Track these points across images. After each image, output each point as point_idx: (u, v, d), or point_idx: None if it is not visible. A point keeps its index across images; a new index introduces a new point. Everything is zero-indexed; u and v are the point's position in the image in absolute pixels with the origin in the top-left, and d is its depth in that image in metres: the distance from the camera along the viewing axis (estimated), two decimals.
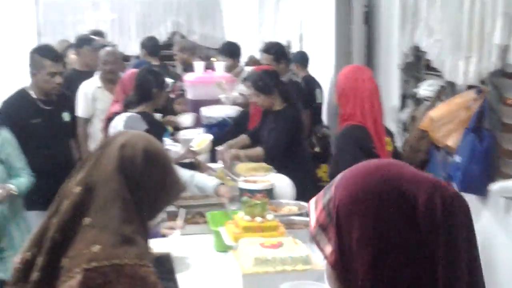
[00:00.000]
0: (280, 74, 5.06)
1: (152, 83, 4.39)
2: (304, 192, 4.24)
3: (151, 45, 7.43)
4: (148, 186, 1.93)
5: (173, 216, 3.69)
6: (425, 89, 4.93)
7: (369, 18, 5.56)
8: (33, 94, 4.57)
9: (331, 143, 5.57)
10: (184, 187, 2.13)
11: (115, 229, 1.82)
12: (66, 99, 4.91)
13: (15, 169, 3.93)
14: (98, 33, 7.03)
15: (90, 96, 5.44)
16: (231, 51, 6.55)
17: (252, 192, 3.67)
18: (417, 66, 5.23)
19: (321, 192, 1.20)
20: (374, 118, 3.75)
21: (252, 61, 6.06)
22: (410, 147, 4.76)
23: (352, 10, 6.44)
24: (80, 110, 5.40)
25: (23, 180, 3.95)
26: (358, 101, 3.72)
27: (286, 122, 4.67)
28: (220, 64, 6.00)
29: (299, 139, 4.83)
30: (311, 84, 6.33)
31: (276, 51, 5.67)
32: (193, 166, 4.55)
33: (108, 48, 5.75)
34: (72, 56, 6.49)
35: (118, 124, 3.99)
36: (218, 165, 4.72)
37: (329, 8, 6.57)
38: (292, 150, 4.67)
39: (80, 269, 1.75)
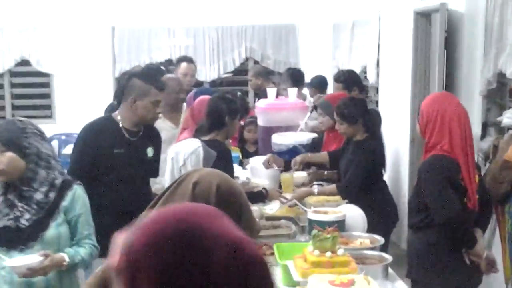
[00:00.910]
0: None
1: (225, 110, 4.25)
2: (377, 225, 4.06)
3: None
4: None
5: None
6: (509, 117, 4.66)
7: (449, 42, 5.29)
8: (120, 122, 4.03)
9: None
10: (260, 227, 2.04)
11: None
12: (153, 133, 4.25)
13: (79, 234, 3.12)
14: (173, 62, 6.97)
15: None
16: (294, 78, 6.40)
17: (322, 225, 3.49)
18: (501, 93, 4.96)
19: (127, 232, 1.14)
20: (464, 148, 3.51)
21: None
22: (492, 178, 4.47)
23: (431, 34, 6.22)
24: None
25: (82, 252, 3.09)
26: (446, 129, 3.49)
27: (365, 155, 4.50)
28: (292, 91, 5.85)
29: (377, 172, 4.62)
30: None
31: (346, 79, 5.48)
32: (262, 196, 4.40)
33: (172, 76, 5.52)
34: None
35: (185, 151, 3.88)
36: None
37: (407, 33, 6.36)
38: (369, 183, 4.48)
39: None
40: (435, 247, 3.54)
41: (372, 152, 4.53)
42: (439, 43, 5.24)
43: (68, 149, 7.37)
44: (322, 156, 4.94)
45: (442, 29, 5.21)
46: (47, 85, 9.69)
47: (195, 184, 1.89)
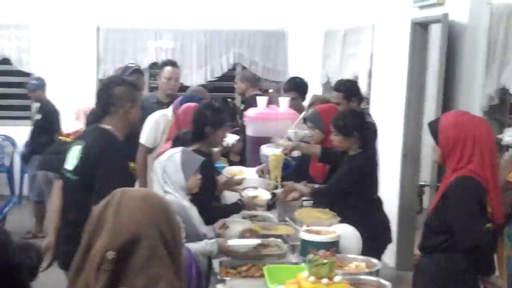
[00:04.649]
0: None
1: (209, 120, 4.08)
2: (369, 247, 3.85)
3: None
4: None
5: None
6: (511, 135, 4.46)
7: (449, 54, 5.07)
8: (117, 135, 3.72)
9: None
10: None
11: None
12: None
13: None
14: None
15: (161, 127, 5.12)
16: (299, 87, 6.09)
17: (316, 246, 3.26)
18: (502, 109, 4.76)
19: None
20: (492, 169, 3.31)
21: (319, 100, 5.59)
22: None
23: (428, 46, 6.02)
24: (146, 138, 5.12)
25: None
26: (477, 150, 3.28)
27: (350, 168, 4.34)
28: (284, 100, 5.61)
29: (367, 189, 4.40)
30: None
31: (346, 88, 5.22)
32: (238, 207, 4.18)
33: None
34: None
35: (162, 159, 3.65)
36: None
37: (403, 43, 6.15)
38: (359, 201, 4.30)
39: None
40: (451, 272, 3.32)
41: (358, 167, 4.33)
42: (439, 56, 5.01)
43: None
44: (315, 148, 4.74)
45: (444, 40, 4.98)
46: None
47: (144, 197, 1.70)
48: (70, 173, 3.68)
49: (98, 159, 3.53)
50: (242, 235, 3.84)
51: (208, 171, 3.84)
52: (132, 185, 4.49)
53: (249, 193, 4.47)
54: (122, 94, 3.70)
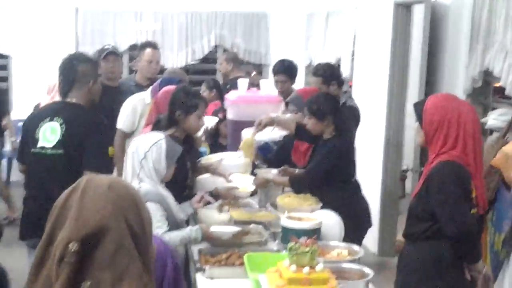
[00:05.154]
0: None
1: (178, 105, 4.01)
2: (349, 231, 3.79)
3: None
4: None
5: None
6: (496, 118, 4.40)
7: (432, 37, 4.99)
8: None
9: None
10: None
11: None
12: None
13: None
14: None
15: (139, 112, 4.99)
16: (289, 70, 5.91)
17: (298, 233, 3.18)
18: (486, 92, 4.70)
19: None
20: (475, 154, 3.23)
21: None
22: None
23: (412, 26, 5.93)
24: (123, 122, 4.97)
25: None
26: (461, 135, 3.20)
27: (327, 153, 4.27)
28: (265, 82, 5.51)
29: (345, 173, 4.33)
30: None
31: (324, 72, 5.09)
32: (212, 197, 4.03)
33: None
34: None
35: (146, 143, 3.49)
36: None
37: (385, 25, 6.06)
38: (337, 184, 4.24)
39: None
40: (437, 260, 3.24)
41: (336, 151, 4.25)
42: (423, 37, 4.93)
43: None
44: (289, 122, 4.63)
45: (427, 22, 4.89)
46: (4, 67, 9.28)
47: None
48: (52, 149, 3.72)
49: (85, 132, 3.71)
50: (220, 209, 3.84)
51: (181, 160, 3.72)
52: (111, 170, 4.39)
53: (233, 182, 4.37)
54: (86, 71, 3.87)
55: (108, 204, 1.54)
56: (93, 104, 4.03)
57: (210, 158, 4.79)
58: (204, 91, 7.07)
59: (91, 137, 3.70)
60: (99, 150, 3.77)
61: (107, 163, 4.12)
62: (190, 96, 4.07)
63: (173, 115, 4.01)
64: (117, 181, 1.65)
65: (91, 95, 3.93)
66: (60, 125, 3.73)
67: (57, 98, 4.05)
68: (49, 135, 3.74)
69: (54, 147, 3.71)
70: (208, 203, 3.88)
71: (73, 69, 3.84)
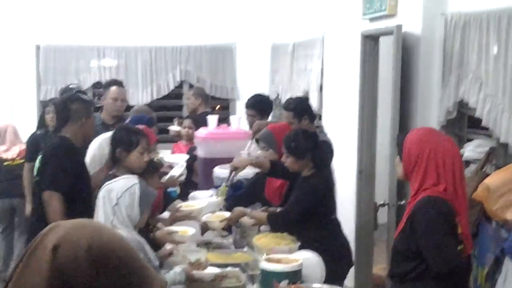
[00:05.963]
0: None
1: (118, 142, 4.01)
2: (331, 271, 3.67)
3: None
4: None
5: None
6: (472, 150, 4.34)
7: (403, 67, 4.93)
8: (73, 141, 4.23)
9: None
10: (164, 282, 1.46)
11: None
12: None
13: None
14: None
15: (106, 151, 4.77)
16: (258, 105, 5.79)
17: (279, 276, 3.05)
18: (461, 123, 4.64)
19: None
20: (459, 189, 3.16)
21: (263, 126, 5.29)
22: None
23: (379, 59, 5.88)
24: (90, 164, 4.75)
25: None
26: (441, 170, 3.13)
27: (306, 191, 4.16)
28: (235, 119, 5.39)
29: (324, 211, 4.21)
30: None
31: (295, 106, 4.97)
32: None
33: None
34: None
35: (118, 188, 3.30)
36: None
37: (353, 56, 6.00)
38: (317, 223, 4.11)
39: None
40: None
41: (315, 189, 4.14)
42: (394, 69, 4.85)
43: None
44: (264, 162, 4.51)
45: (399, 53, 4.83)
46: None
47: (54, 249, 1.28)
48: (36, 177, 4.23)
49: (48, 157, 4.08)
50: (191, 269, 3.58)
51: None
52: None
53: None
54: (79, 109, 4.19)
55: (85, 266, 1.33)
56: (87, 141, 4.40)
57: (191, 205, 4.57)
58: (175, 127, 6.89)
59: (50, 162, 4.03)
60: (57, 171, 3.98)
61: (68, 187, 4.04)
62: (131, 133, 3.98)
63: (114, 153, 3.95)
64: (96, 236, 1.34)
65: (84, 129, 4.23)
66: (41, 155, 4.19)
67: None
68: (36, 166, 4.23)
69: (36, 175, 4.21)
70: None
71: (67, 108, 4.20)
